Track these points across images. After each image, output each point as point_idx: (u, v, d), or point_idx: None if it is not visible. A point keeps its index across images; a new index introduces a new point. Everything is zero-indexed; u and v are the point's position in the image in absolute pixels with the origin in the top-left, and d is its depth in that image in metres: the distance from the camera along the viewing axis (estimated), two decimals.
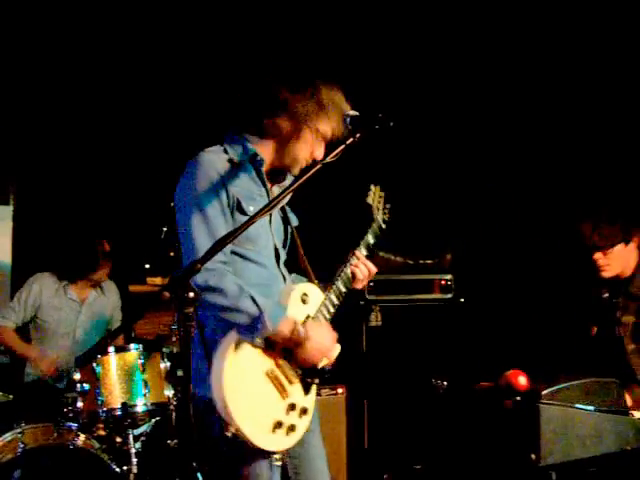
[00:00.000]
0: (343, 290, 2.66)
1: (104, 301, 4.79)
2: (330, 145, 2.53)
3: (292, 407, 2.47)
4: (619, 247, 3.63)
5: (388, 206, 2.94)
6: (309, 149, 2.58)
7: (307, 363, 2.48)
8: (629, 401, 3.26)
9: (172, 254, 4.22)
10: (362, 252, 2.74)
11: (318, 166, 2.29)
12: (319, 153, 2.58)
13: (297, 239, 2.74)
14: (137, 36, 4.95)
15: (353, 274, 2.69)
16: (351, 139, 2.29)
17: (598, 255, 3.65)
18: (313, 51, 4.73)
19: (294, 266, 2.76)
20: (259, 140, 2.59)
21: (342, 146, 2.29)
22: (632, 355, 3.64)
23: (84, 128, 5.29)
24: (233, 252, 2.50)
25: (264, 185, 2.61)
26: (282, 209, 2.73)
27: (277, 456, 2.48)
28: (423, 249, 4.84)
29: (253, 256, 2.53)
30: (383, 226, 2.87)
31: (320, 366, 2.55)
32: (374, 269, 2.73)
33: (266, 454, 2.43)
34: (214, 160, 2.52)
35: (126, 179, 5.22)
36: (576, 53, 4.70)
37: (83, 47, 4.98)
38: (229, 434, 2.32)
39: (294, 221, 2.80)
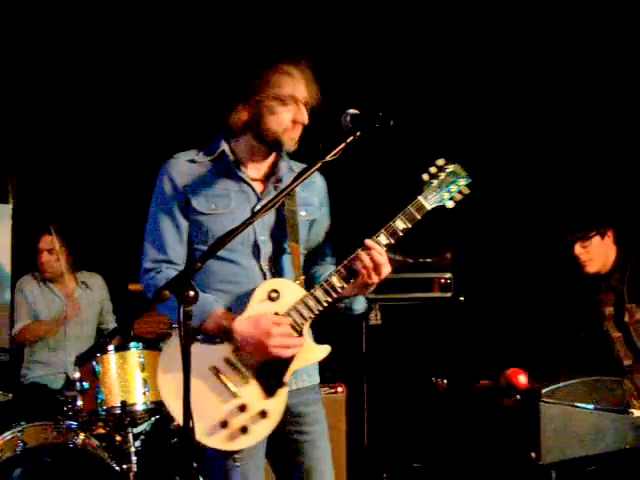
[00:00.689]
0: (338, 285, 2.41)
1: (90, 295, 4.84)
2: (331, 141, 2.43)
3: (242, 408, 2.36)
4: (596, 240, 3.83)
5: (463, 182, 2.66)
6: (281, 116, 2.47)
7: (252, 358, 2.38)
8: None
9: None
10: (380, 241, 2.44)
11: (318, 165, 2.25)
12: (301, 117, 2.49)
13: (294, 232, 2.57)
14: (137, 37, 4.96)
15: (354, 267, 2.41)
16: (351, 137, 2.26)
17: (579, 250, 3.84)
18: (313, 51, 4.71)
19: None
20: (239, 137, 2.56)
21: (342, 144, 2.26)
22: (617, 343, 3.74)
23: (83, 126, 5.28)
24: (199, 250, 2.51)
25: (244, 181, 2.54)
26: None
27: (237, 456, 2.38)
28: (423, 247, 4.83)
29: (222, 253, 2.43)
30: (445, 205, 2.61)
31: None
32: (380, 260, 2.38)
33: (225, 452, 2.38)
34: (172, 165, 2.54)
35: (126, 177, 5.21)
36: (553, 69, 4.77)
37: (82, 47, 4.98)
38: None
39: (313, 213, 2.66)
